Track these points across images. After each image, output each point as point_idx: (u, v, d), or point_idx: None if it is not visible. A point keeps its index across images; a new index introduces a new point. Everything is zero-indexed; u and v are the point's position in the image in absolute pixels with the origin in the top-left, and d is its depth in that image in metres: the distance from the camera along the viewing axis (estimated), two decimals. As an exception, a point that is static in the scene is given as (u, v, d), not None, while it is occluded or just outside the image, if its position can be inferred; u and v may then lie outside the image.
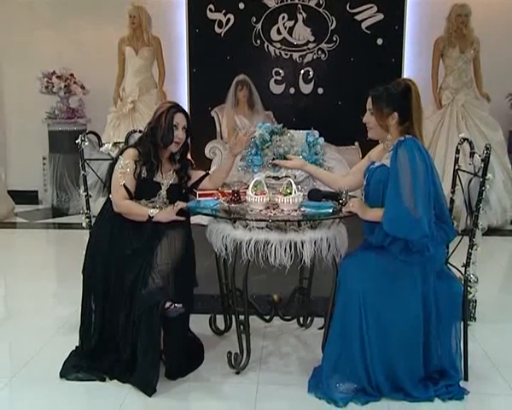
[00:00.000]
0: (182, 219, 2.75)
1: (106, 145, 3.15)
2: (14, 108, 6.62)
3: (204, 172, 3.03)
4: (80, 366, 2.75)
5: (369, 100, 2.59)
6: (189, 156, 3.06)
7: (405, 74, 6.15)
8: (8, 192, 6.17)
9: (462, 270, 2.78)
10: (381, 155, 2.65)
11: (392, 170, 2.45)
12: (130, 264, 2.67)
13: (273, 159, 2.92)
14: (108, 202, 2.86)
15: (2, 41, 6.53)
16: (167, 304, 2.57)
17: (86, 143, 3.11)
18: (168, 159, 2.90)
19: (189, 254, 2.80)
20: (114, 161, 2.86)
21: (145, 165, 2.79)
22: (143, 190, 2.81)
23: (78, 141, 3.09)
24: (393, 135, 2.55)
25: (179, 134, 2.82)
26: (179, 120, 2.82)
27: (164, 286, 2.61)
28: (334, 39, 6.30)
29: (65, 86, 6.11)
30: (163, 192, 2.85)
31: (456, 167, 2.96)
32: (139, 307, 2.59)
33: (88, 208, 3.13)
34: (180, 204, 2.76)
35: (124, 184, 2.75)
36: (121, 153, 2.84)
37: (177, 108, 2.84)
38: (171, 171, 2.90)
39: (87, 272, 2.83)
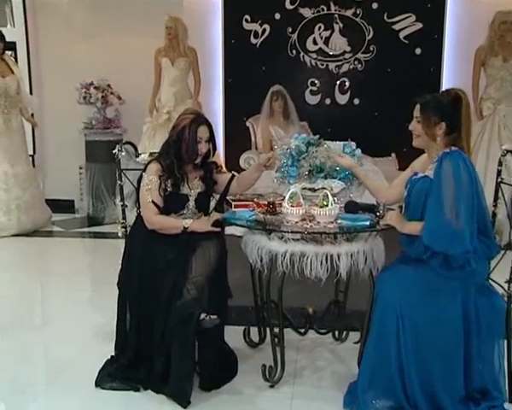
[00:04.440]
0: (217, 230, 2.76)
1: (142, 155, 3.19)
2: (52, 118, 6.76)
3: (230, 175, 3.01)
4: (115, 375, 2.78)
5: (417, 107, 2.55)
6: (214, 159, 3.05)
7: (444, 85, 6.07)
8: (46, 201, 6.29)
9: (505, 286, 2.71)
10: (425, 165, 2.60)
11: (436, 181, 2.41)
12: (166, 276, 2.68)
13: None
14: (139, 217, 2.89)
15: (42, 52, 6.71)
16: (202, 315, 2.58)
17: (123, 154, 3.16)
18: (192, 167, 2.90)
19: (222, 264, 2.80)
20: (139, 178, 2.87)
21: (169, 178, 2.80)
22: (171, 204, 2.82)
23: (115, 151, 3.13)
24: (439, 145, 2.50)
25: (203, 148, 2.83)
26: (202, 133, 2.82)
27: (199, 297, 2.62)
28: (371, 49, 6.27)
29: (102, 97, 6.21)
30: (191, 203, 2.86)
31: (499, 180, 2.90)
32: (174, 319, 2.60)
33: (124, 218, 3.18)
34: (216, 215, 2.78)
35: (152, 201, 2.77)
36: (144, 169, 2.85)
37: (199, 120, 2.83)
38: (197, 178, 2.91)
39: (122, 285, 2.87)
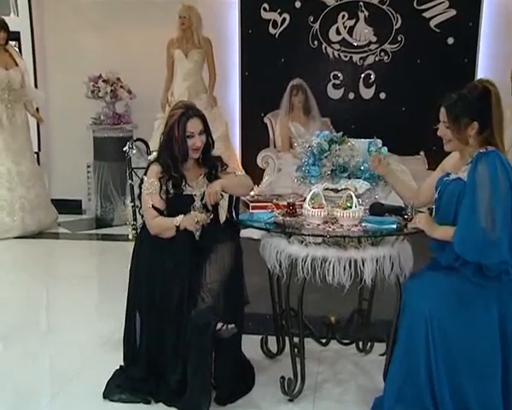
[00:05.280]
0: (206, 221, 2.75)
1: (154, 153, 3.21)
2: (59, 113, 6.83)
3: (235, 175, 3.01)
4: (124, 386, 2.81)
5: (443, 111, 2.48)
6: (230, 159, 3.04)
7: (480, 77, 6.02)
8: (52, 201, 6.36)
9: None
10: (458, 166, 2.54)
11: (470, 184, 2.37)
12: (174, 278, 2.69)
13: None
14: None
15: (47, 43, 6.80)
16: (219, 325, 2.60)
17: (134, 151, 3.18)
18: (195, 164, 2.91)
19: (238, 270, 2.81)
20: (141, 181, 2.89)
21: (170, 179, 2.81)
22: (176, 206, 2.82)
23: (126, 148, 3.16)
24: (473, 146, 2.44)
25: (196, 142, 2.81)
26: (193, 127, 2.80)
27: (214, 305, 2.63)
28: (399, 39, 6.25)
29: (111, 91, 6.25)
30: (197, 203, 2.85)
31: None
32: (189, 329, 2.61)
33: (134, 219, 3.20)
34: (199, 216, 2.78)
35: (152, 205, 2.79)
36: (145, 172, 2.87)
37: (188, 114, 2.80)
38: (202, 176, 2.91)
39: (131, 293, 2.88)
